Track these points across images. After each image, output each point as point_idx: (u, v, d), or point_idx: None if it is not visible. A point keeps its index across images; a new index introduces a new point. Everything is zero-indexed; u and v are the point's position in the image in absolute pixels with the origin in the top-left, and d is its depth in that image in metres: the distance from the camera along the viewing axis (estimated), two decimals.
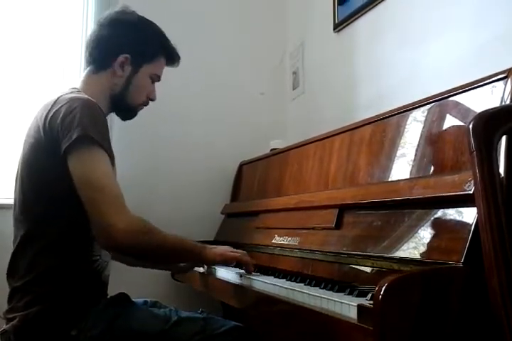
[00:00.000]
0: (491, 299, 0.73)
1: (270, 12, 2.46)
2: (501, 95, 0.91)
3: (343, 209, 1.21)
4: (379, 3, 1.76)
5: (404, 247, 0.96)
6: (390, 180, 1.15)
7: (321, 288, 1.04)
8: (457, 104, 1.03)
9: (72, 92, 1.24)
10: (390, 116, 1.23)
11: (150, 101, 1.42)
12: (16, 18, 2.07)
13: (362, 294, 0.92)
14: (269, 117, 2.37)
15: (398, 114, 1.20)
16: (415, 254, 0.92)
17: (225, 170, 2.21)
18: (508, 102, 0.89)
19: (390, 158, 1.18)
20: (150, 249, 1.15)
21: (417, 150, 1.10)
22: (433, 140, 1.06)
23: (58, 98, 1.20)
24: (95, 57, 1.34)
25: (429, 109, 1.10)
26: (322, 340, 0.92)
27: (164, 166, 2.18)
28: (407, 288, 0.77)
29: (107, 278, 1.29)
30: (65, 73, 2.11)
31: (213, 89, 2.29)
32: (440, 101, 1.07)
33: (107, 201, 1.09)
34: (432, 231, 0.92)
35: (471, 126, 0.77)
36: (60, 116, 1.14)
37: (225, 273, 1.40)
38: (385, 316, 0.74)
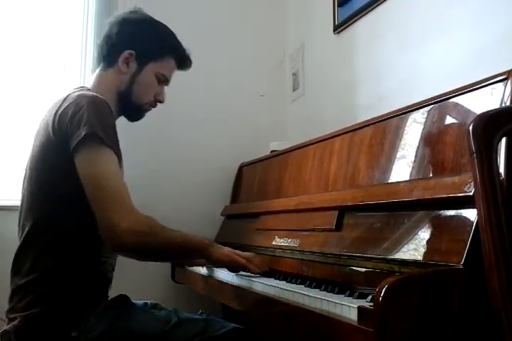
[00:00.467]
0: (491, 299, 0.73)
1: (270, 13, 2.46)
2: (501, 97, 0.91)
3: (344, 210, 1.21)
4: (379, 4, 1.76)
5: (405, 249, 0.96)
6: (390, 181, 1.15)
7: (321, 290, 1.04)
8: (457, 105, 1.03)
9: (81, 90, 1.25)
10: (390, 118, 1.23)
11: (158, 104, 1.42)
12: (18, 17, 2.07)
13: (362, 296, 0.92)
14: (269, 118, 2.37)
15: (398, 115, 1.20)
16: (415, 256, 0.92)
17: (225, 172, 2.21)
18: (507, 104, 0.89)
19: (390, 159, 1.18)
20: (155, 249, 1.15)
21: (417, 152, 1.10)
22: (433, 141, 1.06)
23: (67, 96, 1.21)
24: (103, 53, 1.35)
25: (429, 111, 1.10)
26: None
27: (164, 167, 2.18)
28: (408, 289, 0.77)
29: (111, 281, 1.29)
30: (65, 71, 2.11)
31: (213, 90, 2.29)
32: (440, 102, 1.07)
33: (113, 200, 1.09)
34: (432, 233, 0.92)
35: (471, 127, 0.77)
36: (69, 113, 1.14)
37: (226, 275, 1.40)
38: (385, 318, 0.74)
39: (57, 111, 1.18)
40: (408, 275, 0.82)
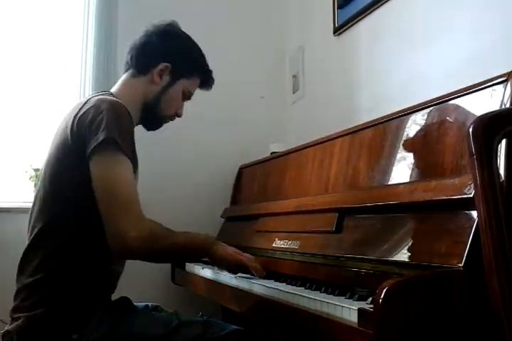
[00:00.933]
0: (492, 301, 0.73)
1: (271, 15, 2.46)
2: (501, 98, 0.91)
3: (344, 212, 1.21)
4: (379, 7, 1.77)
5: (405, 251, 0.96)
6: (390, 183, 1.15)
7: (321, 292, 1.04)
8: (457, 107, 1.03)
9: (103, 94, 1.26)
10: (390, 120, 1.23)
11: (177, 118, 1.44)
12: (18, 20, 2.08)
13: (362, 298, 0.92)
14: (270, 120, 2.37)
15: (398, 117, 1.20)
16: (415, 258, 0.92)
17: (225, 174, 2.21)
18: (507, 106, 0.89)
19: (390, 161, 1.18)
20: (161, 254, 1.18)
21: (416, 154, 1.10)
22: (433, 143, 1.06)
23: (88, 100, 1.22)
24: (138, 61, 1.36)
25: (429, 113, 1.10)
26: None
27: (164, 169, 2.17)
28: (408, 291, 0.77)
29: (115, 287, 1.30)
30: (65, 74, 2.11)
31: (214, 92, 2.28)
32: (440, 104, 1.07)
33: (122, 207, 1.09)
34: (432, 235, 0.92)
35: (471, 129, 0.77)
36: (89, 117, 1.15)
37: (226, 277, 1.40)
38: (385, 320, 0.74)
39: (76, 114, 1.18)
40: (408, 277, 0.82)
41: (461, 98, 1.02)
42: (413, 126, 1.14)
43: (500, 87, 0.92)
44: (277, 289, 1.11)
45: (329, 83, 2.08)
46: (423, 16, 1.57)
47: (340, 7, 2.00)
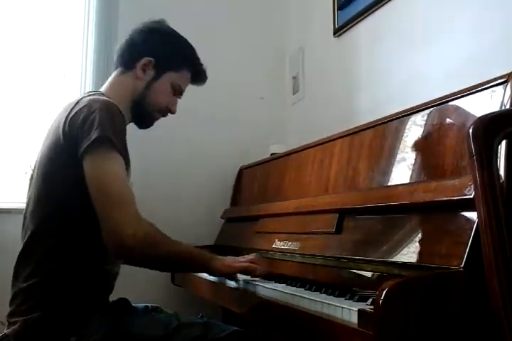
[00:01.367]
0: (492, 302, 0.73)
1: (270, 16, 2.47)
2: (501, 99, 0.91)
3: (344, 213, 1.21)
4: (379, 8, 1.77)
5: (405, 252, 0.96)
6: (390, 184, 1.15)
7: (321, 293, 1.04)
8: (457, 108, 1.03)
9: (93, 94, 1.25)
10: (390, 121, 1.23)
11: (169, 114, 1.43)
12: (18, 24, 2.08)
13: (362, 299, 0.92)
14: (269, 121, 2.37)
15: (398, 118, 1.20)
16: (416, 259, 0.92)
17: (225, 175, 2.21)
18: (507, 107, 0.89)
19: (390, 162, 1.18)
20: (157, 257, 1.15)
21: (417, 155, 1.10)
22: (433, 144, 1.06)
23: (79, 100, 1.21)
24: (123, 58, 1.36)
25: (429, 114, 1.10)
26: None
27: (164, 170, 2.17)
28: (408, 292, 0.77)
29: (112, 288, 1.29)
30: (65, 78, 2.11)
31: (213, 93, 2.29)
32: (440, 105, 1.07)
33: (117, 206, 1.09)
34: (433, 236, 0.92)
35: (471, 130, 0.77)
36: (81, 117, 1.14)
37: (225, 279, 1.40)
38: (385, 321, 0.74)
39: (68, 114, 1.17)
40: (408, 278, 0.82)
41: (461, 99, 1.02)
42: (413, 126, 1.14)
43: (500, 88, 0.92)
44: (277, 290, 1.11)
45: (329, 84, 2.08)
46: (423, 17, 1.57)
47: (340, 8, 2.00)
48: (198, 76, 1.45)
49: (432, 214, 0.95)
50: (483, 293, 0.75)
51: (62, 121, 1.18)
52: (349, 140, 1.37)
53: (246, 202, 2.03)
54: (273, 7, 2.47)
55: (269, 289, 1.15)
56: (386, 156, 1.19)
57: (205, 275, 1.56)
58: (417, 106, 1.14)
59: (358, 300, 0.92)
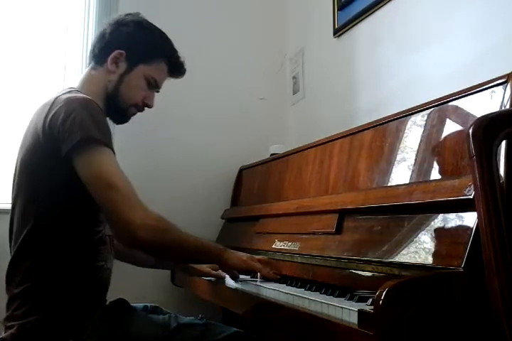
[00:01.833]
0: (492, 302, 0.73)
1: (270, 17, 2.46)
2: (501, 100, 0.91)
3: (344, 214, 1.21)
4: (379, 8, 1.77)
5: (405, 252, 0.96)
6: (390, 184, 1.15)
7: (321, 293, 1.04)
8: (457, 108, 1.03)
9: (69, 92, 1.22)
10: (390, 121, 1.23)
11: (146, 108, 1.39)
12: (18, 17, 2.08)
13: (362, 299, 0.92)
14: (269, 122, 2.37)
15: (398, 118, 1.20)
16: (416, 259, 0.92)
17: (225, 175, 2.21)
18: (507, 107, 0.89)
19: (390, 162, 1.18)
20: (168, 245, 1.14)
21: (416, 155, 1.10)
22: (433, 145, 1.06)
23: (56, 99, 1.18)
24: (94, 53, 1.33)
25: (429, 114, 1.10)
26: None
27: (164, 171, 2.17)
28: (408, 293, 0.76)
29: (108, 286, 1.28)
30: (66, 72, 2.11)
31: (213, 94, 2.30)
32: (440, 106, 1.07)
33: (122, 199, 1.08)
34: (432, 236, 0.92)
35: (470, 130, 0.77)
36: (61, 117, 1.12)
37: (225, 279, 1.40)
38: (385, 321, 0.74)
39: (47, 115, 1.15)
40: (408, 278, 0.82)
41: (461, 99, 1.02)
42: (413, 127, 1.14)
43: (500, 88, 0.92)
44: (277, 290, 1.11)
45: (329, 84, 2.08)
46: (423, 17, 1.57)
47: (340, 8, 2.00)
48: (175, 68, 1.39)
49: (432, 215, 0.95)
50: (483, 294, 0.75)
51: (41, 121, 1.15)
52: (349, 140, 1.37)
53: (246, 202, 2.02)
54: (273, 8, 2.47)
55: (269, 289, 1.15)
56: (386, 156, 1.19)
57: (205, 277, 1.56)
58: (417, 107, 1.14)
59: (358, 301, 0.92)
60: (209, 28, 2.32)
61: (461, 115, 1.01)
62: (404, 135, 1.16)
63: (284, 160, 1.76)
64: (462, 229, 0.87)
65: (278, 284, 1.22)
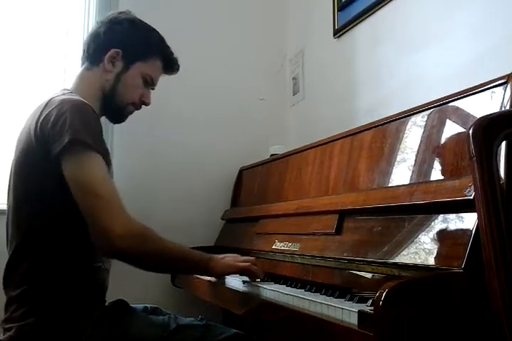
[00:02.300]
0: (492, 303, 0.73)
1: (270, 17, 2.47)
2: (501, 100, 0.91)
3: (344, 214, 1.21)
4: (379, 9, 1.77)
5: (405, 253, 0.96)
6: (390, 185, 1.15)
7: (321, 294, 1.04)
8: (457, 109, 1.03)
9: (63, 94, 1.21)
10: (390, 122, 1.23)
11: (145, 106, 1.39)
12: (18, 18, 2.08)
13: (362, 300, 0.92)
14: (269, 123, 2.37)
15: (398, 119, 1.20)
16: (416, 260, 0.92)
17: (225, 176, 2.21)
18: (507, 107, 0.89)
19: (390, 163, 1.18)
20: (150, 256, 1.12)
21: (417, 156, 1.10)
22: (433, 145, 1.06)
23: (49, 100, 1.18)
24: (89, 52, 1.32)
25: (429, 115, 1.10)
26: None
27: (164, 171, 2.18)
28: (408, 293, 0.76)
29: (107, 286, 1.27)
30: (65, 76, 2.11)
31: (213, 94, 2.30)
32: (440, 106, 1.07)
33: (104, 206, 1.06)
34: (433, 237, 0.92)
35: (470, 131, 0.77)
36: (51, 119, 1.11)
37: (225, 280, 1.40)
38: (385, 322, 0.74)
39: (39, 116, 1.14)
40: (409, 279, 0.82)
41: (461, 100, 1.02)
42: (413, 127, 1.14)
43: (500, 88, 0.92)
44: (277, 291, 1.11)
45: (329, 85, 2.08)
46: (423, 18, 1.57)
47: (340, 9, 2.00)
48: (169, 64, 1.39)
49: (432, 215, 0.94)
50: (483, 294, 0.75)
51: (33, 123, 1.15)
52: (349, 141, 1.37)
53: (246, 203, 2.02)
54: (273, 8, 2.47)
55: (269, 290, 1.15)
56: (386, 157, 1.19)
57: (205, 276, 1.56)
58: (417, 107, 1.14)
59: (358, 301, 0.92)
60: (209, 28, 2.32)
61: (461, 115, 1.01)
62: (405, 135, 1.16)
63: (284, 160, 1.76)
64: (462, 230, 0.87)
65: (278, 285, 1.22)
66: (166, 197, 2.15)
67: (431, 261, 0.89)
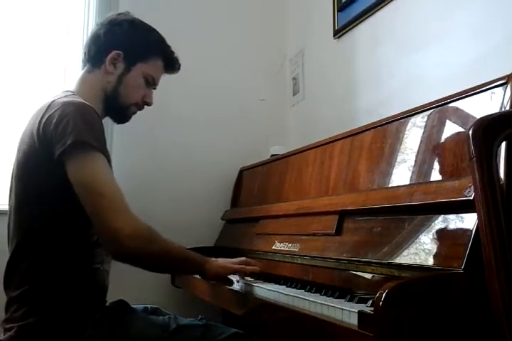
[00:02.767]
0: (492, 303, 0.73)
1: (270, 18, 2.47)
2: (501, 101, 0.91)
3: (344, 215, 1.21)
4: (379, 9, 1.77)
5: (405, 253, 0.96)
6: (390, 185, 1.15)
7: (321, 295, 1.04)
8: (457, 110, 1.03)
9: (65, 96, 1.21)
10: (390, 122, 1.23)
11: (146, 106, 1.39)
12: (18, 20, 2.08)
13: (362, 300, 0.92)
14: (270, 123, 2.37)
15: (398, 119, 1.20)
16: (416, 260, 0.92)
17: (225, 176, 2.21)
18: (507, 108, 0.89)
19: (390, 163, 1.18)
20: (154, 255, 1.13)
21: (417, 156, 1.10)
22: (433, 146, 1.06)
23: (52, 102, 1.18)
24: (90, 55, 1.33)
25: (429, 115, 1.10)
26: None
27: (165, 172, 2.18)
28: (408, 294, 0.76)
29: (107, 287, 1.27)
30: (66, 74, 2.11)
31: (214, 95, 2.30)
32: (440, 107, 1.07)
33: (110, 207, 1.07)
34: (433, 237, 0.92)
35: (470, 132, 0.77)
36: (54, 121, 1.11)
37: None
38: (385, 322, 0.74)
39: (41, 118, 1.15)
40: (408, 279, 0.82)
41: (461, 100, 1.02)
42: (413, 128, 1.14)
43: (500, 89, 0.92)
44: (277, 292, 1.11)
45: (329, 85, 2.08)
46: (423, 18, 1.58)
47: (340, 10, 2.00)
48: (170, 64, 1.40)
49: (432, 216, 0.95)
50: (483, 295, 0.75)
51: (36, 125, 1.15)
52: (349, 141, 1.37)
53: (246, 203, 2.02)
54: (273, 9, 2.48)
55: (269, 291, 1.15)
56: (386, 158, 1.19)
57: None
58: (417, 108, 1.14)
59: (358, 302, 0.92)
60: (209, 28, 2.32)
61: (461, 116, 1.02)
62: (405, 136, 1.16)
63: (284, 161, 1.76)
64: (462, 230, 0.87)
65: (278, 285, 1.22)
66: (166, 198, 2.15)
67: (431, 261, 0.89)
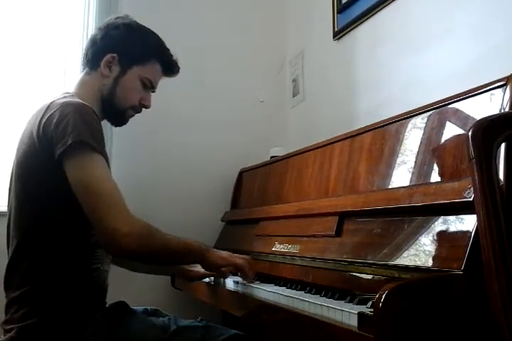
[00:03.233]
0: (492, 305, 0.73)
1: (270, 19, 2.47)
2: (500, 102, 0.91)
3: (344, 216, 1.21)
4: (378, 11, 1.77)
5: (405, 254, 0.96)
6: (390, 187, 1.15)
7: (321, 296, 1.04)
8: (457, 111, 1.03)
9: (65, 97, 1.22)
10: (389, 124, 1.23)
11: (144, 109, 1.40)
12: (18, 21, 2.08)
13: (362, 302, 0.91)
14: (269, 124, 2.37)
15: (398, 121, 1.20)
16: (415, 262, 0.92)
17: (225, 177, 2.21)
18: (507, 109, 0.89)
19: (390, 165, 1.18)
20: (155, 251, 1.14)
21: (416, 158, 1.10)
22: (433, 147, 1.06)
23: (51, 103, 1.19)
24: (87, 58, 1.34)
25: (428, 116, 1.10)
26: None
27: (164, 173, 2.18)
28: (408, 295, 0.76)
29: (107, 288, 1.27)
30: (66, 76, 2.11)
31: (213, 96, 2.30)
32: (440, 108, 1.08)
33: (108, 206, 1.07)
34: (432, 239, 0.92)
35: (470, 133, 0.77)
36: (54, 121, 1.12)
37: (226, 281, 1.40)
38: (385, 324, 0.74)
39: (41, 119, 1.15)
40: (408, 281, 0.82)
41: (461, 102, 1.02)
42: (413, 129, 1.14)
43: (500, 90, 0.92)
44: (277, 293, 1.11)
45: (329, 87, 2.08)
46: (423, 20, 1.58)
47: (340, 11, 2.00)
48: (169, 67, 1.40)
49: (432, 217, 0.95)
50: (482, 296, 0.75)
51: (36, 126, 1.16)
52: (349, 143, 1.37)
53: (246, 204, 2.02)
54: (273, 10, 2.48)
55: (269, 292, 1.15)
56: (386, 159, 1.20)
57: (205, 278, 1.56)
58: (417, 109, 1.14)
59: (358, 303, 0.92)
60: (209, 29, 2.32)
61: (460, 117, 1.02)
62: (404, 137, 1.16)
63: (284, 162, 1.76)
64: (462, 232, 0.87)
65: (278, 287, 1.22)
66: (165, 199, 2.15)
67: (431, 262, 0.89)
